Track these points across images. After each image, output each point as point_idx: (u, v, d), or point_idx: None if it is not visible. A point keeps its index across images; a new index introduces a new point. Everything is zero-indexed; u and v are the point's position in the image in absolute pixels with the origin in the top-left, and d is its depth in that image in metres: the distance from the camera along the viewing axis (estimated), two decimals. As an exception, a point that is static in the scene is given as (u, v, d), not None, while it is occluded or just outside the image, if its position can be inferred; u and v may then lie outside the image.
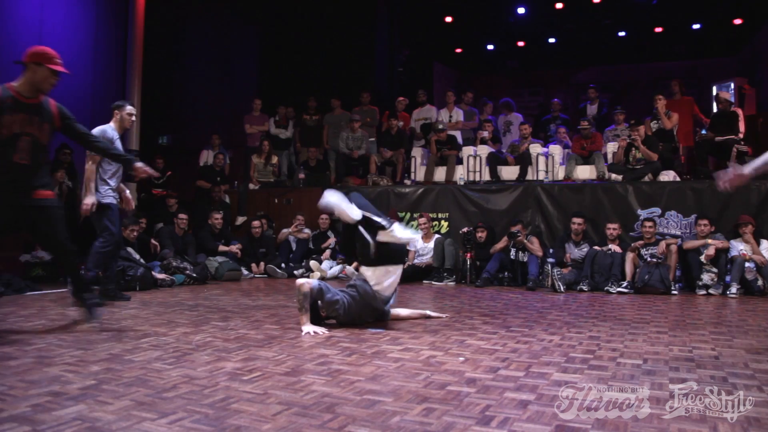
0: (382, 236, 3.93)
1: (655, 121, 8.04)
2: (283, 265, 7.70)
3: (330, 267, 7.48)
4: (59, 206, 3.91)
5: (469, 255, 7.11)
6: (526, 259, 6.76)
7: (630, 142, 7.55)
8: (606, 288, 6.15)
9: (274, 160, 9.44)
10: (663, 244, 6.29)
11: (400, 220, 7.83)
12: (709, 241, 6.19)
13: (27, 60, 3.82)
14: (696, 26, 12.15)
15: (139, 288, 5.84)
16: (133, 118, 5.29)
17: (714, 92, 10.35)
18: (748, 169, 2.48)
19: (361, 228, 3.93)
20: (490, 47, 13.88)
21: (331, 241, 7.92)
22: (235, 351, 3.12)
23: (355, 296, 3.90)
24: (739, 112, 7.92)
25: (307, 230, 8.08)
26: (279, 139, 9.84)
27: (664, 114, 7.85)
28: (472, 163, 8.50)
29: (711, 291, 5.99)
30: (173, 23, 10.84)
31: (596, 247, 6.56)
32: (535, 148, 8.27)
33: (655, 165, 7.35)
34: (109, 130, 5.14)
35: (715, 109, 8.60)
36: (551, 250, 6.81)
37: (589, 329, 3.87)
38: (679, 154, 8.19)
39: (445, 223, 7.92)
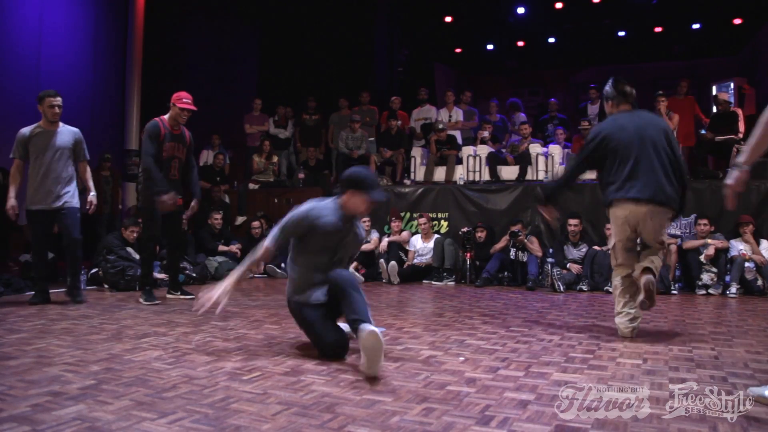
0: None
1: (649, 114, 8.01)
2: (283, 265, 7.69)
3: (330, 267, 7.48)
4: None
5: (468, 255, 7.11)
6: (525, 259, 6.77)
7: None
8: (606, 288, 6.14)
9: (275, 159, 9.45)
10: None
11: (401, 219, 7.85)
12: (709, 240, 6.19)
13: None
14: (696, 26, 12.15)
15: (139, 288, 5.83)
16: (56, 109, 4.80)
17: (714, 92, 10.35)
18: (743, 162, 2.37)
19: None
20: (490, 47, 13.88)
21: (331, 241, 7.91)
22: (235, 351, 3.12)
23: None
24: (739, 112, 7.92)
25: (307, 230, 8.07)
26: (278, 138, 9.85)
27: (666, 115, 7.83)
28: (472, 163, 8.50)
29: (711, 291, 6.00)
30: (173, 23, 10.84)
31: (596, 247, 6.56)
32: (535, 148, 8.27)
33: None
34: (26, 131, 4.83)
35: (714, 110, 8.61)
36: (551, 250, 6.81)
37: (589, 329, 3.87)
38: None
39: (444, 223, 7.93)
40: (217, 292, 2.93)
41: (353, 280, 3.01)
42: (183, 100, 5.19)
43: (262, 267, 7.68)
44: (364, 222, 7.63)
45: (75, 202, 4.96)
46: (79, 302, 4.87)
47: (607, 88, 3.80)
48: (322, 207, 3.08)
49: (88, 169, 5.16)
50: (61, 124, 4.93)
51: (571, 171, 3.93)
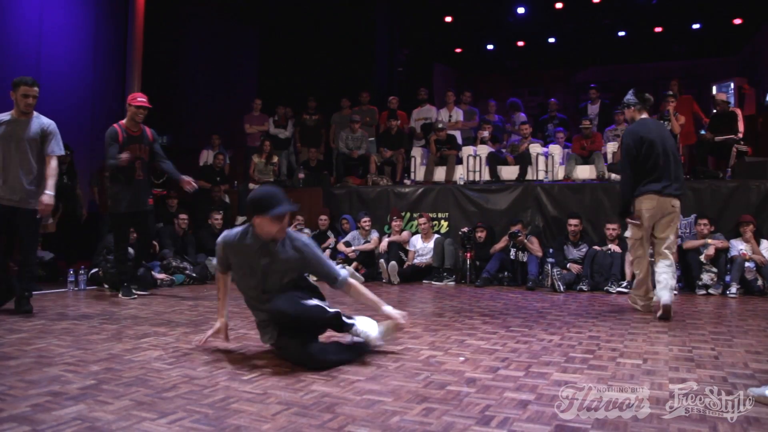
0: None
1: (661, 122, 7.98)
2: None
3: (330, 267, 7.48)
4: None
5: (468, 255, 7.11)
6: (525, 259, 6.76)
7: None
8: (606, 288, 6.15)
9: (275, 160, 9.45)
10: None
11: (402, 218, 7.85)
12: (709, 240, 6.19)
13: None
14: (696, 26, 12.15)
15: (139, 288, 5.84)
16: (30, 100, 4.39)
17: (714, 92, 10.34)
18: None
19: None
20: (490, 47, 13.88)
21: (331, 241, 7.92)
22: (235, 351, 3.12)
23: None
24: (738, 112, 7.92)
25: (307, 230, 8.08)
26: (278, 139, 9.85)
27: (673, 116, 7.79)
28: (472, 163, 8.50)
29: (711, 291, 5.99)
30: (173, 23, 10.84)
31: (596, 247, 6.56)
32: (535, 148, 8.27)
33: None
34: None
35: (713, 111, 8.61)
36: (551, 250, 6.81)
37: (589, 329, 3.87)
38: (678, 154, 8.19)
39: (444, 223, 7.92)
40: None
41: (289, 303, 2.77)
42: (137, 99, 5.33)
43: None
44: (364, 222, 7.64)
45: (35, 204, 4.47)
46: (26, 312, 4.34)
47: (630, 96, 4.68)
48: (234, 232, 3.03)
49: (54, 164, 4.53)
50: (35, 114, 4.49)
51: (628, 179, 4.57)
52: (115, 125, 5.34)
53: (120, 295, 5.37)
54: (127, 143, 5.26)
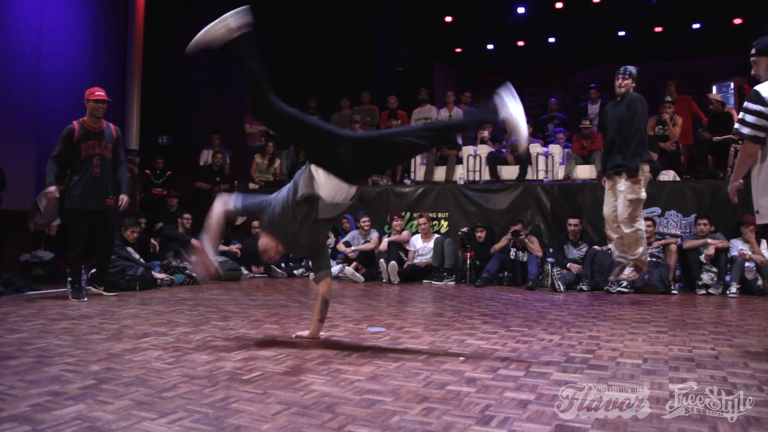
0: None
1: (659, 126, 7.99)
2: (283, 264, 7.70)
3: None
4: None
5: (468, 255, 7.11)
6: (525, 259, 6.76)
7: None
8: (606, 288, 6.14)
9: (277, 163, 9.44)
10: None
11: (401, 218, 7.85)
12: (709, 240, 6.19)
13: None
14: (696, 26, 12.15)
15: (139, 288, 5.85)
16: None
17: (714, 92, 10.33)
18: (732, 180, 3.46)
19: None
20: (490, 47, 13.88)
21: (331, 241, 7.91)
22: (235, 351, 3.12)
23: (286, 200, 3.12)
24: (733, 112, 7.93)
25: (307, 230, 8.07)
26: (278, 138, 9.84)
27: (670, 120, 7.77)
28: (472, 163, 8.50)
29: (711, 291, 5.99)
30: (173, 23, 10.83)
31: (596, 247, 6.56)
32: (535, 148, 8.27)
33: (655, 165, 7.35)
34: None
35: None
36: (551, 250, 6.81)
37: (589, 329, 3.87)
38: (678, 154, 8.19)
39: (444, 223, 7.92)
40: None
41: None
42: (95, 93, 5.25)
43: (261, 267, 7.68)
44: (364, 222, 7.64)
45: None
46: None
47: (635, 72, 5.26)
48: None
49: None
50: None
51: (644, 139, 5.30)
52: (74, 122, 5.23)
53: (70, 298, 5.10)
54: (84, 139, 5.18)
